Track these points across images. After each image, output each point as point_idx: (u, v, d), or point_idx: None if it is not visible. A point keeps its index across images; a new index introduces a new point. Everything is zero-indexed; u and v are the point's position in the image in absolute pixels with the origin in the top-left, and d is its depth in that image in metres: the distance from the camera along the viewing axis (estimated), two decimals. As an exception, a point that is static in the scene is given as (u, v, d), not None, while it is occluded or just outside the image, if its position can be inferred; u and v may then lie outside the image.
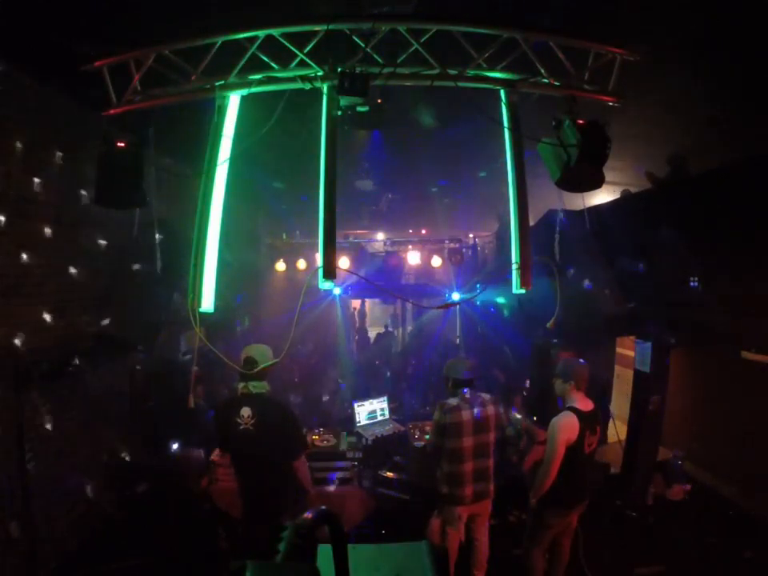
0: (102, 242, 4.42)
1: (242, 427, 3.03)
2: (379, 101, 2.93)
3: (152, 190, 3.03)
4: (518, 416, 4.73)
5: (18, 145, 3.45)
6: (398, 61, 3.03)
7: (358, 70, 2.81)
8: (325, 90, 2.97)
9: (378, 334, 12.15)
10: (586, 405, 3.17)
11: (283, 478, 3.06)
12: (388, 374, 8.41)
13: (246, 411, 3.04)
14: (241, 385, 3.13)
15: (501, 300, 7.73)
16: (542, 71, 3.09)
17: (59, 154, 3.86)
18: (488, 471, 3.37)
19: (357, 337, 13.18)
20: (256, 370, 3.05)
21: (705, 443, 5.20)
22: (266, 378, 3.15)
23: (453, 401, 3.32)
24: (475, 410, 3.30)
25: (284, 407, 3.27)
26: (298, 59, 2.99)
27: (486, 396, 3.42)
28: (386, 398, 5.20)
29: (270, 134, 2.98)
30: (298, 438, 3.22)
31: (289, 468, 3.09)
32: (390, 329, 12.50)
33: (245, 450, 3.10)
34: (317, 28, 2.87)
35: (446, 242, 9.07)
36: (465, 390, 3.36)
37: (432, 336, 10.61)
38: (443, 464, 3.34)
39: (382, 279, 8.51)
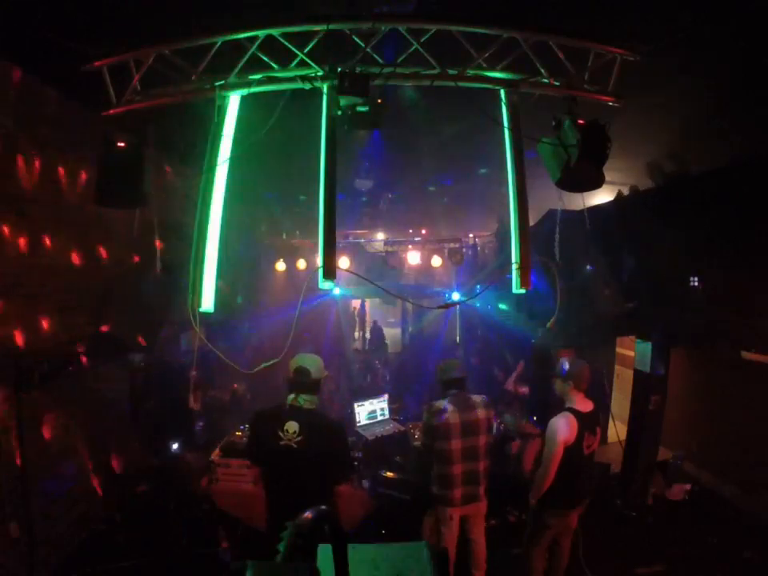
0: (102, 243, 4.42)
1: (282, 443, 2.72)
2: (379, 101, 2.93)
3: (152, 189, 3.02)
4: (508, 416, 4.73)
5: (18, 145, 3.45)
6: (398, 61, 3.03)
7: (358, 69, 2.81)
8: (325, 89, 2.97)
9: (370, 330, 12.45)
10: (585, 405, 3.16)
11: (321, 500, 2.74)
12: (387, 376, 8.43)
13: (292, 426, 2.74)
14: (290, 396, 2.84)
15: (501, 302, 7.73)
16: (542, 71, 3.09)
17: (59, 153, 3.86)
18: (478, 474, 3.32)
19: (361, 334, 13.35)
20: (308, 380, 2.82)
21: (705, 443, 5.21)
22: (318, 391, 2.90)
23: (441, 403, 3.30)
24: (464, 413, 3.27)
25: (336, 426, 2.98)
26: (298, 59, 3.00)
27: (478, 398, 3.37)
28: (386, 398, 5.20)
29: (271, 134, 2.98)
30: (346, 462, 2.96)
31: (329, 491, 2.83)
32: (379, 324, 12.75)
33: (283, 469, 2.79)
34: (317, 28, 2.87)
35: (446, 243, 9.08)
36: (453, 391, 3.34)
37: (432, 336, 10.63)
38: (433, 465, 3.33)
39: (381, 279, 8.51)
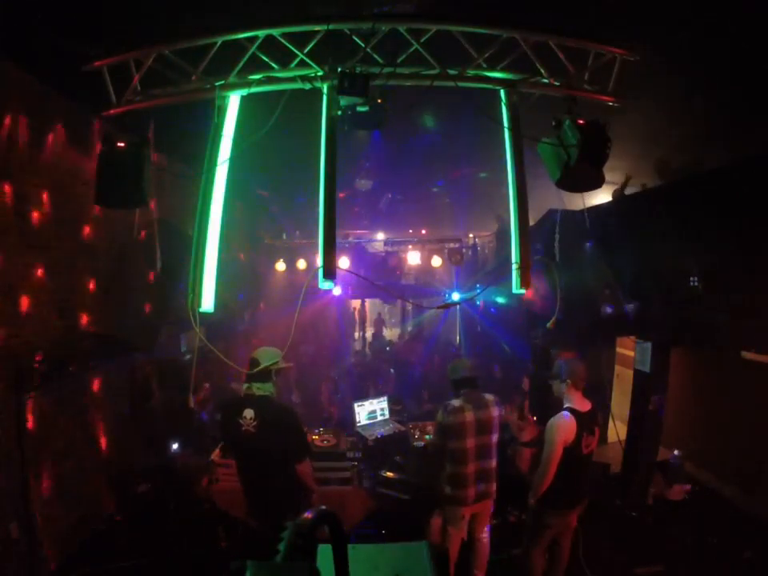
0: (102, 242, 4.42)
1: (243, 428, 2.98)
2: (379, 101, 2.93)
3: (152, 189, 3.02)
4: (508, 414, 4.71)
5: (18, 145, 3.45)
6: (398, 61, 3.03)
7: (357, 69, 2.81)
8: (325, 90, 2.97)
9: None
10: (584, 405, 3.16)
11: (286, 480, 3.01)
12: (392, 370, 8.43)
13: (248, 413, 2.99)
14: (245, 386, 3.09)
15: (501, 300, 7.73)
16: (542, 71, 3.09)
17: (59, 153, 3.86)
18: (490, 472, 3.36)
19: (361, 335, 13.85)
20: (256, 369, 3.01)
21: (705, 443, 5.20)
22: (271, 379, 3.08)
23: (456, 401, 3.31)
24: (478, 412, 3.29)
25: (288, 411, 3.21)
26: (298, 59, 3.00)
27: (490, 397, 3.40)
28: (385, 398, 5.20)
29: (271, 134, 2.98)
30: (300, 443, 3.14)
31: (292, 471, 3.04)
32: (381, 316, 13.33)
33: (246, 452, 3.08)
34: (317, 28, 2.88)
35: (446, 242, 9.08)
36: (466, 390, 3.36)
37: (432, 336, 10.64)
38: (446, 465, 3.33)
39: (381, 279, 8.51)
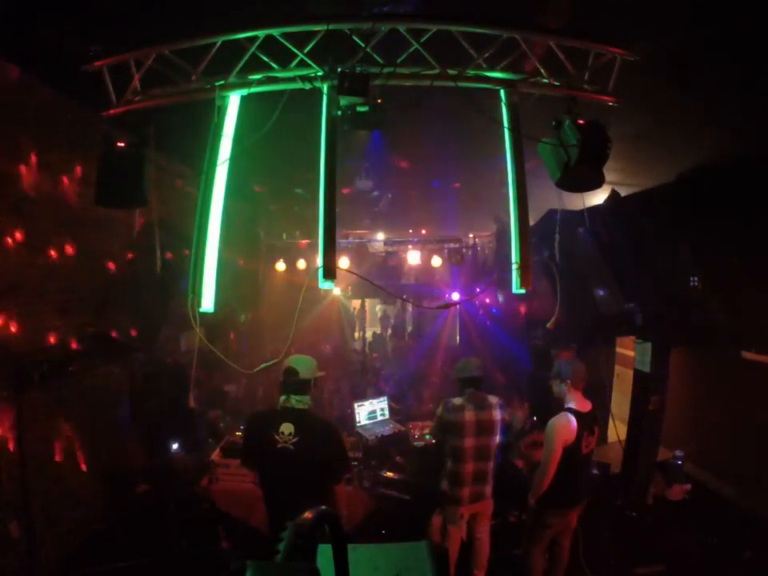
0: (102, 243, 4.42)
1: (279, 445, 2.72)
2: (379, 101, 2.93)
3: (152, 190, 3.02)
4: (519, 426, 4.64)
5: (18, 145, 3.45)
6: (398, 61, 3.03)
7: (357, 69, 2.81)
8: (325, 90, 2.97)
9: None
10: (584, 405, 3.17)
11: (317, 500, 2.80)
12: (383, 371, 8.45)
13: (287, 428, 2.73)
14: (282, 398, 2.85)
15: (500, 300, 7.73)
16: (542, 71, 3.09)
17: (59, 153, 3.86)
18: (487, 474, 3.36)
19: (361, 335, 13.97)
20: (295, 379, 2.83)
21: (705, 443, 5.20)
22: (309, 391, 2.89)
23: (457, 400, 3.32)
24: (480, 412, 3.29)
25: (330, 426, 2.99)
26: (298, 59, 3.00)
27: (494, 399, 3.41)
28: (385, 398, 5.21)
29: (271, 133, 2.98)
30: (342, 461, 2.94)
31: (328, 491, 2.86)
32: (387, 314, 13.46)
33: (280, 470, 2.79)
34: (317, 28, 2.87)
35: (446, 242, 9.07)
36: (470, 390, 3.35)
37: (431, 337, 10.64)
38: (446, 463, 3.34)
39: (381, 279, 8.51)
